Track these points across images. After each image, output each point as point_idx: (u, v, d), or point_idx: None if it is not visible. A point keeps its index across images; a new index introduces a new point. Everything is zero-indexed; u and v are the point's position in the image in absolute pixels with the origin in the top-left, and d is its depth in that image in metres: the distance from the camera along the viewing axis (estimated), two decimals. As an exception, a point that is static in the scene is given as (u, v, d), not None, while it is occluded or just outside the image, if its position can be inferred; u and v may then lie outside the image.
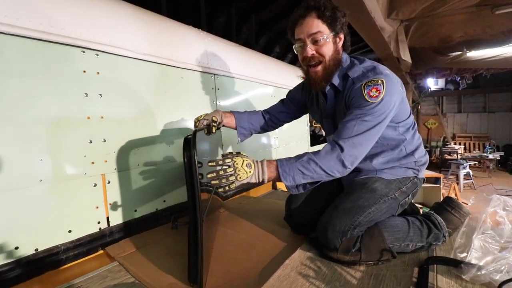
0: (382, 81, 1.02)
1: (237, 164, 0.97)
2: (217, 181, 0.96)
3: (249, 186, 1.02)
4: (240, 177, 0.96)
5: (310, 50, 1.10)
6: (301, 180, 1.03)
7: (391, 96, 1.03)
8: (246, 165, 0.98)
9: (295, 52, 1.18)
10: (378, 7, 2.45)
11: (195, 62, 1.69)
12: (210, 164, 0.98)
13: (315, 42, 1.09)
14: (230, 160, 0.98)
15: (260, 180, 1.01)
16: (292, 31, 1.15)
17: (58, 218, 1.11)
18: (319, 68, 1.13)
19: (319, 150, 1.05)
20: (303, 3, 1.10)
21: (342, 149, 1.02)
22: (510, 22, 3.15)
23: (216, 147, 1.88)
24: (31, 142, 1.04)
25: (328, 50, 1.11)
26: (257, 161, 1.03)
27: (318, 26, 1.08)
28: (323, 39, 1.08)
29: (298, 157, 1.04)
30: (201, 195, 0.91)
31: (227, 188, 0.97)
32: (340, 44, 1.15)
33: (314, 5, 1.07)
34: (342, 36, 1.14)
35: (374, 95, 1.02)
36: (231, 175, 0.96)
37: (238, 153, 1.04)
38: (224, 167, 0.97)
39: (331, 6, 1.08)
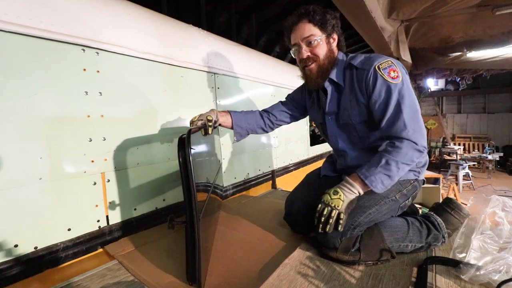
0: (391, 61, 1.08)
1: (326, 200, 1.04)
2: (328, 226, 1.01)
3: (354, 204, 1.06)
4: (337, 206, 1.02)
5: (305, 52, 1.17)
6: (390, 182, 1.06)
7: (403, 73, 1.09)
8: (333, 193, 1.04)
9: (293, 56, 1.25)
10: (379, 7, 2.45)
11: (195, 61, 1.69)
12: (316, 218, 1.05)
13: (309, 44, 1.16)
14: (320, 204, 1.05)
15: (356, 193, 1.05)
16: (288, 38, 1.23)
17: (58, 216, 1.11)
18: (313, 65, 1.19)
19: (390, 148, 1.06)
20: (294, 12, 1.18)
21: (409, 140, 1.04)
22: (511, 23, 3.14)
23: (213, 147, 1.88)
24: (30, 140, 1.04)
25: (321, 50, 1.17)
26: (337, 185, 1.08)
27: (310, 29, 1.15)
28: (316, 41, 1.15)
29: (376, 162, 1.05)
30: (197, 194, 0.91)
31: (339, 225, 1.01)
32: (334, 44, 1.21)
33: (304, 12, 1.15)
34: (335, 36, 1.20)
35: (395, 76, 1.06)
36: (330, 211, 1.01)
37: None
38: (320, 212, 1.03)
39: (321, 10, 1.15)
